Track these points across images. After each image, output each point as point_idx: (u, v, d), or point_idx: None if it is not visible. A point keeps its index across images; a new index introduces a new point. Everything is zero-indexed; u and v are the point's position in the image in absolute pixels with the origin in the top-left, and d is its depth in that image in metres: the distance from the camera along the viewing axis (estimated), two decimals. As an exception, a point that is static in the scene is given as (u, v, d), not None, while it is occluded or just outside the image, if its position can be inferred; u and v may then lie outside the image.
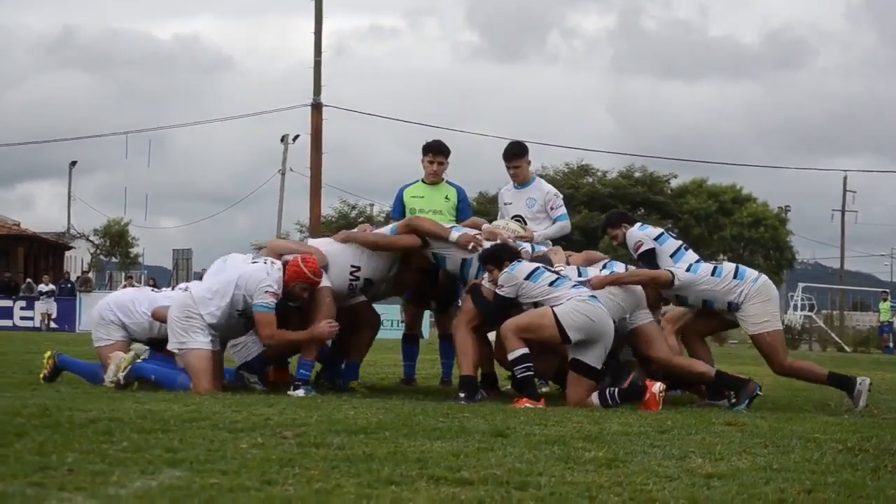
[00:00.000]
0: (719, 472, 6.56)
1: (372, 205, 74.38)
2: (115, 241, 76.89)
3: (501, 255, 11.01)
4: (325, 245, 11.82)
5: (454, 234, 11.38)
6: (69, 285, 51.13)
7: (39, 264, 64.32)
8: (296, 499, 5.35)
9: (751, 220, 72.53)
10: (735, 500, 5.71)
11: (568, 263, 11.69)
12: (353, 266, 11.65)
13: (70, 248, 75.10)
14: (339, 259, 11.64)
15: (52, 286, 47.65)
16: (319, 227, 46.10)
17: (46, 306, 46.15)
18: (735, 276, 11.44)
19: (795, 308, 58.34)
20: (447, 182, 13.32)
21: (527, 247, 11.71)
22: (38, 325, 45.29)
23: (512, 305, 10.91)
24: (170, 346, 11.45)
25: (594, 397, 10.66)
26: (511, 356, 10.59)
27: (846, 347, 51.45)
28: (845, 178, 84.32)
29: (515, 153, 13.33)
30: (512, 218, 13.00)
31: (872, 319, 63.76)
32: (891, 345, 49.98)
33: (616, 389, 10.69)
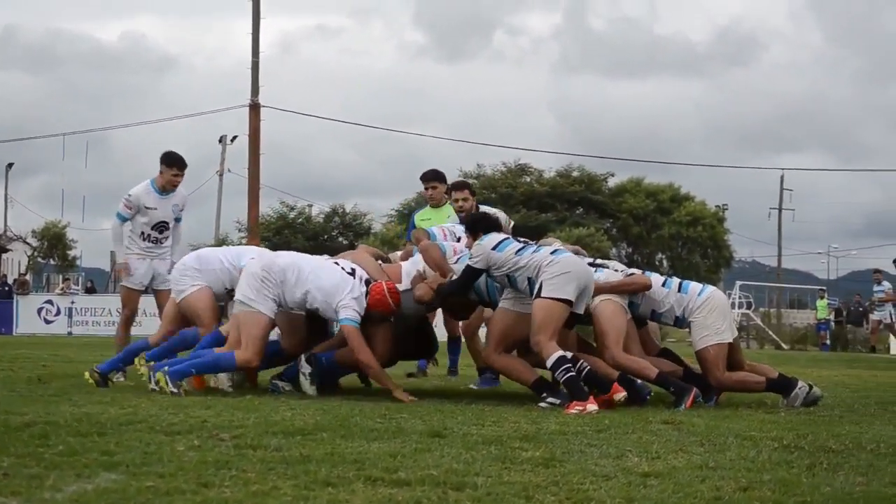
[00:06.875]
0: (655, 470, 6.59)
1: (310, 205, 74.06)
2: (53, 243, 76.14)
3: (477, 226, 11.24)
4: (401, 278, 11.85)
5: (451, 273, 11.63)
6: (6, 288, 50.62)
7: (-24, 267, 63.73)
8: (232, 501, 5.34)
9: (689, 218, 72.78)
10: (671, 499, 5.74)
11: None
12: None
13: (7, 250, 74.39)
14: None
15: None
16: (257, 228, 45.98)
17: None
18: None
19: (733, 306, 58.60)
20: (450, 203, 14.42)
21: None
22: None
23: (476, 278, 11.03)
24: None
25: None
26: (548, 362, 10.39)
27: (783, 345, 51.80)
28: (782, 177, 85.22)
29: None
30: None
31: (809, 317, 64.35)
32: (828, 342, 50.31)
33: (588, 368, 10.51)
